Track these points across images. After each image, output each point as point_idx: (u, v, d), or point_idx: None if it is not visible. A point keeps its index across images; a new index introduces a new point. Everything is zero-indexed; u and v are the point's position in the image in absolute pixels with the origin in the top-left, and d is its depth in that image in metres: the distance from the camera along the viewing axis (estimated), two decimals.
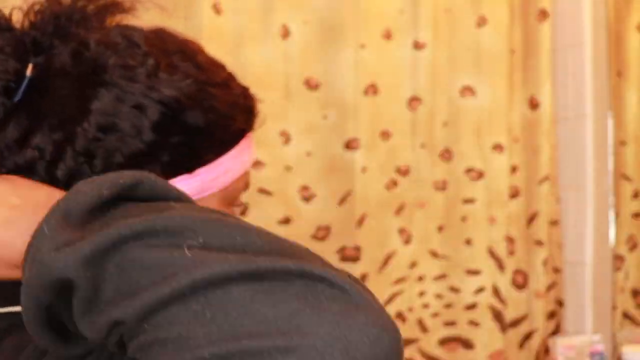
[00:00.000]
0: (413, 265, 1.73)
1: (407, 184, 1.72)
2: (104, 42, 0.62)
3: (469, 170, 1.77)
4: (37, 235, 0.45)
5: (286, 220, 1.61)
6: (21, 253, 0.49)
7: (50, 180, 0.61)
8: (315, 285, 0.42)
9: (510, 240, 1.78)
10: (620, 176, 1.76)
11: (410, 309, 1.73)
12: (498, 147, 1.77)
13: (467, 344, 1.76)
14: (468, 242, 1.77)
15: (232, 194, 0.69)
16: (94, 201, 0.46)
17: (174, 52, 0.65)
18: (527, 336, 1.80)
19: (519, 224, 1.80)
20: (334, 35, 1.65)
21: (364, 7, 1.66)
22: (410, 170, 1.73)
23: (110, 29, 0.64)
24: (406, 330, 1.72)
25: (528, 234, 1.82)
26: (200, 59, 0.66)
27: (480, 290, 1.77)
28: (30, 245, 0.46)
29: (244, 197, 1.64)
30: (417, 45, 1.72)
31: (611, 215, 1.76)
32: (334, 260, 1.65)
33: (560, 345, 1.59)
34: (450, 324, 1.76)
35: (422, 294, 1.74)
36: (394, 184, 1.71)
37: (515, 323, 1.79)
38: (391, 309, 1.70)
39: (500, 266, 1.77)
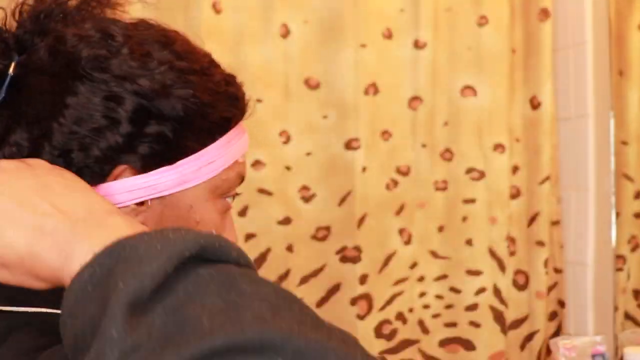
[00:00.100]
0: (413, 265, 1.73)
1: (408, 184, 1.72)
2: (78, 35, 0.62)
3: (469, 170, 1.76)
4: (103, 336, 0.39)
5: (286, 220, 1.61)
6: (52, 268, 0.47)
7: None
8: None
9: (511, 240, 1.77)
10: (622, 176, 1.76)
11: (411, 310, 1.72)
12: (499, 147, 1.76)
13: (468, 345, 1.76)
14: (469, 242, 1.76)
15: (222, 185, 0.68)
16: (160, 281, 0.41)
17: (151, 41, 0.64)
18: (529, 337, 1.80)
19: (520, 224, 1.79)
20: (334, 34, 1.64)
21: (364, 6, 1.66)
22: (410, 170, 1.72)
23: (86, 23, 0.63)
24: (407, 331, 1.72)
25: (529, 234, 1.81)
26: (178, 46, 0.65)
27: (481, 290, 1.76)
28: (91, 341, 0.40)
29: (245, 197, 1.64)
30: (418, 45, 1.71)
31: (613, 216, 1.76)
32: (334, 260, 1.65)
33: (562, 346, 1.58)
34: (451, 324, 1.75)
35: (422, 294, 1.74)
36: (394, 184, 1.71)
37: (517, 324, 1.79)
38: (391, 310, 1.70)
39: (501, 267, 1.76)
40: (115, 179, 0.62)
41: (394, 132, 1.70)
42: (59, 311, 0.59)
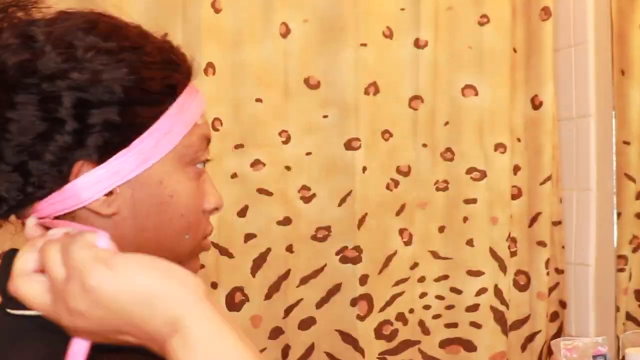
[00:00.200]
0: (414, 266, 1.72)
1: (408, 184, 1.71)
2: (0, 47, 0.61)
3: (470, 170, 1.76)
4: None
5: (286, 221, 1.60)
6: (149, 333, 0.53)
7: None
8: None
9: (512, 240, 1.77)
10: (624, 176, 1.75)
11: (411, 311, 1.72)
12: (500, 147, 1.76)
13: (469, 346, 1.75)
14: (469, 242, 1.75)
15: (187, 153, 0.67)
16: None
17: (73, 31, 0.62)
18: (530, 338, 1.79)
19: (521, 224, 1.78)
20: (334, 33, 1.64)
21: (364, 5, 1.65)
22: (411, 170, 1.71)
23: (2, 32, 0.62)
24: (407, 332, 1.71)
25: (530, 234, 1.80)
26: (102, 28, 0.64)
27: (482, 291, 1.75)
28: None
29: (245, 197, 1.63)
30: (419, 44, 1.70)
31: (614, 216, 1.75)
32: (334, 260, 1.64)
33: (563, 347, 1.57)
34: (451, 325, 1.75)
35: (423, 295, 1.73)
36: (395, 184, 1.70)
37: (518, 324, 1.78)
38: (392, 311, 1.69)
39: (502, 267, 1.75)
40: (76, 176, 0.62)
41: (394, 132, 1.70)
42: None
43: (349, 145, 1.64)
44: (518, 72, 1.80)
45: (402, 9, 1.70)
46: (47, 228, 0.63)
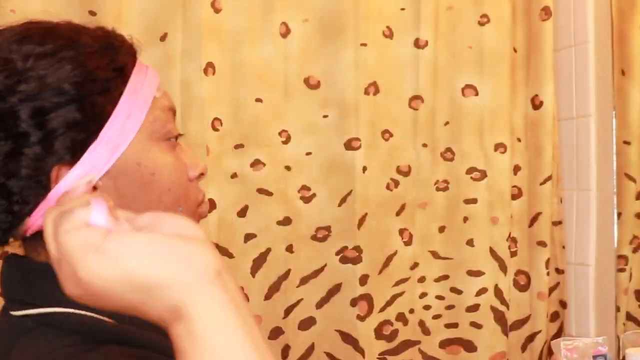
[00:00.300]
0: (414, 266, 1.72)
1: (408, 184, 1.71)
2: None
3: (470, 170, 1.76)
4: None
5: (286, 221, 1.60)
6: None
7: None
8: None
9: (512, 240, 1.77)
10: (624, 176, 1.75)
11: (412, 311, 1.71)
12: (500, 147, 1.76)
13: (469, 346, 1.75)
14: (470, 242, 1.75)
15: (156, 128, 0.67)
16: None
17: (6, 46, 0.63)
18: (530, 338, 1.79)
19: (522, 224, 1.78)
20: (334, 33, 1.64)
21: (364, 5, 1.65)
22: (411, 170, 1.71)
23: None
24: (407, 332, 1.71)
25: (530, 234, 1.80)
26: (34, 34, 0.64)
27: (482, 291, 1.75)
28: None
29: (245, 197, 1.63)
30: (419, 44, 1.70)
31: (614, 216, 1.75)
32: (334, 260, 1.64)
33: (563, 347, 1.57)
34: (451, 325, 1.74)
35: (423, 295, 1.73)
36: (395, 184, 1.70)
37: (518, 325, 1.78)
38: (392, 311, 1.69)
39: (503, 267, 1.75)
40: (56, 182, 0.62)
41: (394, 132, 1.70)
42: (68, 310, 0.60)
43: (349, 145, 1.64)
44: (518, 72, 1.80)
45: (402, 9, 1.70)
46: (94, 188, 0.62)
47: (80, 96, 0.62)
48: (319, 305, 1.63)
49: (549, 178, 1.79)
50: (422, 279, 1.73)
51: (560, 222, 1.82)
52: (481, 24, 1.75)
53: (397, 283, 1.70)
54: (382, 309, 1.67)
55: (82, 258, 0.47)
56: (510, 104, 1.77)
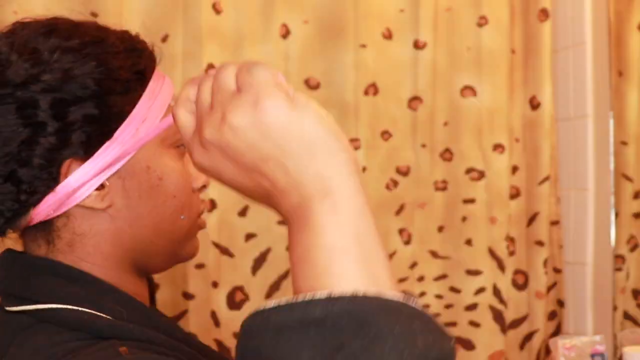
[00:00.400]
0: (413, 265, 1.73)
1: (408, 184, 1.72)
2: None
3: (469, 171, 1.76)
4: None
5: None
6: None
7: None
8: None
9: (510, 240, 1.78)
10: (621, 176, 1.76)
11: None
12: (498, 147, 1.77)
13: (468, 345, 1.76)
14: (468, 242, 1.76)
15: (167, 135, 0.68)
16: None
17: (33, 37, 0.63)
18: (528, 337, 1.80)
19: (520, 224, 1.79)
20: (334, 34, 1.64)
21: (364, 6, 1.66)
22: (410, 170, 1.72)
23: None
24: None
25: (528, 234, 1.81)
26: (61, 29, 0.65)
27: (480, 290, 1.76)
28: None
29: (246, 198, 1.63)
30: (418, 45, 1.71)
31: (612, 216, 1.76)
32: None
33: (561, 346, 1.58)
34: (450, 324, 1.75)
35: (422, 294, 1.74)
36: (394, 184, 1.71)
37: (516, 323, 1.79)
38: None
39: (501, 266, 1.76)
40: (66, 176, 0.63)
41: (394, 132, 1.71)
42: (67, 306, 0.60)
43: None
44: (516, 73, 1.81)
45: (402, 10, 1.71)
46: None
47: (101, 93, 0.63)
48: None
49: (547, 178, 1.80)
50: (421, 279, 1.74)
51: (558, 222, 1.83)
52: (480, 25, 1.76)
53: (397, 282, 1.70)
54: None
55: (274, 92, 0.47)
56: (508, 104, 1.78)
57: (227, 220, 1.54)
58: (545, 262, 1.79)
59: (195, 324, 1.50)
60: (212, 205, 1.52)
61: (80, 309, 0.61)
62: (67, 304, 0.61)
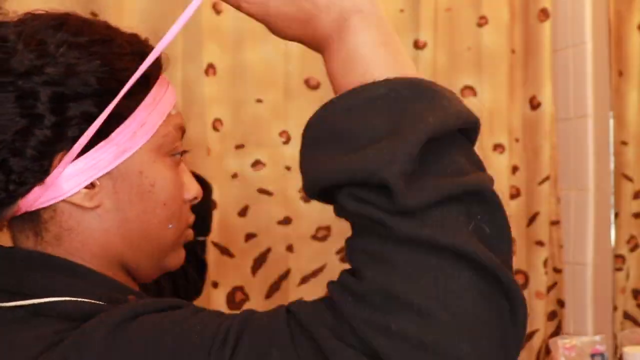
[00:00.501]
0: None
1: None
2: None
3: None
4: (396, 147, 0.50)
5: (286, 220, 1.61)
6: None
7: None
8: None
9: None
10: (621, 176, 1.76)
11: None
12: (498, 147, 1.77)
13: None
14: None
15: (164, 143, 0.68)
16: (449, 128, 0.54)
17: (43, 29, 0.63)
18: (528, 337, 1.80)
19: (520, 224, 1.79)
20: None
21: None
22: None
23: None
24: None
25: (528, 234, 1.81)
26: (71, 24, 0.65)
27: None
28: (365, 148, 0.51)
29: (245, 197, 1.63)
30: (418, 45, 1.71)
31: (612, 216, 1.76)
32: (334, 260, 1.65)
33: (561, 346, 1.58)
34: None
35: None
36: None
37: None
38: None
39: None
40: (56, 170, 0.63)
41: None
42: (66, 298, 0.60)
43: None
44: (516, 73, 1.81)
45: (402, 10, 1.71)
46: None
47: (102, 92, 0.63)
48: None
49: (547, 178, 1.80)
50: None
51: (558, 222, 1.83)
52: (480, 25, 1.76)
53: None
54: None
55: None
56: (508, 104, 1.78)
57: (227, 220, 1.54)
58: (545, 262, 1.79)
59: None
60: (213, 205, 1.52)
61: (80, 299, 0.61)
62: (66, 296, 0.61)
